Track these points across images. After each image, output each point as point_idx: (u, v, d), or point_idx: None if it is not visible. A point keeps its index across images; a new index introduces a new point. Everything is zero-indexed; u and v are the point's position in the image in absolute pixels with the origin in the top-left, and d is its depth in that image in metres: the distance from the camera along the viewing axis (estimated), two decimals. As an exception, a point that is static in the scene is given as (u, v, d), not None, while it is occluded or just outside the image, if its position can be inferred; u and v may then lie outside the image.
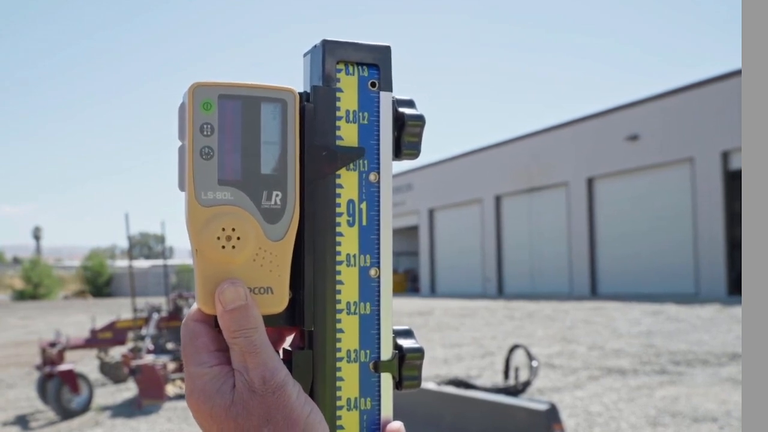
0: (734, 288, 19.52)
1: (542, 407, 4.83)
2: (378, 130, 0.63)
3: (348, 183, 0.61)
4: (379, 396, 0.62)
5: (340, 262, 0.61)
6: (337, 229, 0.61)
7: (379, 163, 0.62)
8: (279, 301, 0.60)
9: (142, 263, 63.46)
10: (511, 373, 6.71)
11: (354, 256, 0.62)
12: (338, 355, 0.61)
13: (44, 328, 19.46)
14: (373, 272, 0.62)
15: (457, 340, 12.25)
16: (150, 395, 8.05)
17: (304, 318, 0.60)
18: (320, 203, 0.60)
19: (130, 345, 9.50)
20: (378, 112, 0.63)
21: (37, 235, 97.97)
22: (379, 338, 0.62)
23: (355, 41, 0.62)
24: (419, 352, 0.63)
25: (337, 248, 0.61)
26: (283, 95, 0.59)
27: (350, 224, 0.62)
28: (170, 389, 8.55)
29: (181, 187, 0.58)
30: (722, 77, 19.88)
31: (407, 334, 0.65)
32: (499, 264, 29.08)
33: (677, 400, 7.03)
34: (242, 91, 0.58)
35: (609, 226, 24.10)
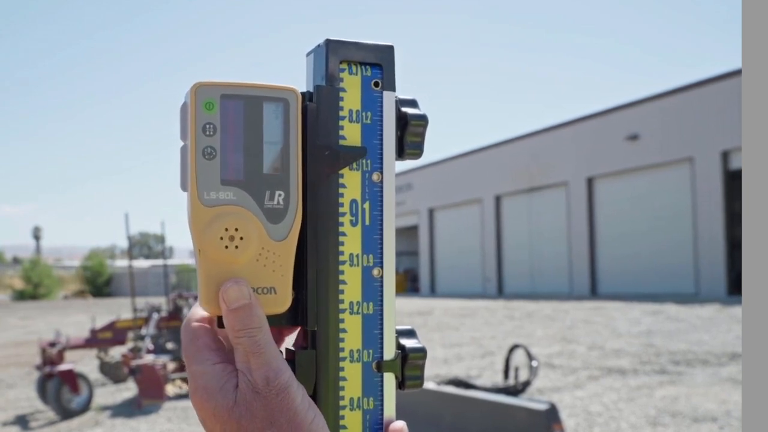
0: (734, 288, 19.52)
1: (542, 407, 4.83)
2: (381, 130, 0.62)
3: (351, 183, 0.61)
4: (382, 396, 0.62)
5: (343, 262, 0.61)
6: (340, 229, 0.61)
7: (382, 163, 0.62)
8: (282, 301, 0.59)
9: (141, 263, 63.46)
10: (511, 373, 6.72)
11: (357, 255, 0.61)
12: (341, 354, 0.61)
13: (44, 328, 19.46)
14: (376, 272, 0.62)
15: (457, 340, 12.26)
16: (150, 395, 8.05)
17: (307, 318, 0.60)
18: (323, 203, 0.60)
19: (130, 345, 9.50)
20: (381, 111, 0.62)
21: (37, 235, 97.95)
22: (382, 338, 0.62)
23: (359, 41, 0.62)
24: (422, 352, 0.63)
25: (340, 248, 0.61)
26: (285, 95, 0.59)
27: (353, 224, 0.61)
28: (170, 389, 8.55)
29: (184, 188, 0.58)
30: (722, 77, 19.88)
31: (410, 333, 0.65)
32: (499, 264, 29.08)
33: (677, 400, 7.03)
34: (244, 90, 0.58)
35: (609, 226, 24.10)
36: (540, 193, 27.00)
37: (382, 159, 0.62)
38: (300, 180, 0.59)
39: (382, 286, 0.62)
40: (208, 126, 0.57)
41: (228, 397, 0.56)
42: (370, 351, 0.62)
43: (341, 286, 0.61)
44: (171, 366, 8.82)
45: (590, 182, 24.70)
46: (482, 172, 29.52)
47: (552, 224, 26.38)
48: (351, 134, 0.61)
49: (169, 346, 9.36)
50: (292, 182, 0.59)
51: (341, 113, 0.61)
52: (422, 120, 0.64)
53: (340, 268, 0.61)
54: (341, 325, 0.61)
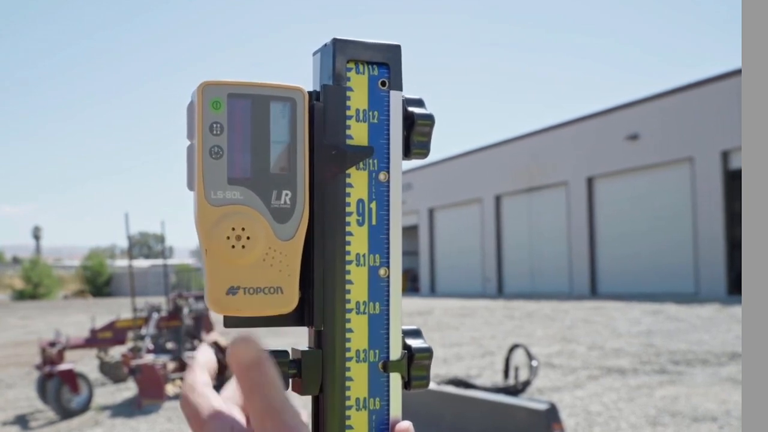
0: (734, 288, 19.53)
1: (542, 407, 4.84)
2: (388, 130, 0.62)
3: (358, 182, 0.61)
4: (388, 396, 0.62)
5: (350, 262, 0.61)
6: (347, 229, 0.61)
7: (388, 163, 0.62)
8: (289, 301, 0.59)
9: (141, 263, 63.47)
10: (511, 373, 6.72)
11: (363, 255, 0.61)
12: (348, 355, 0.61)
13: (44, 327, 19.46)
14: (382, 272, 0.62)
15: (457, 340, 12.26)
16: (150, 395, 8.06)
17: (313, 318, 0.60)
18: (330, 202, 0.60)
19: (129, 345, 9.49)
20: (388, 111, 0.62)
21: (36, 234, 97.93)
22: (388, 338, 0.62)
23: (366, 40, 0.62)
24: (428, 352, 0.63)
25: (347, 248, 0.61)
26: (292, 94, 0.59)
27: (360, 224, 0.61)
28: (170, 389, 8.55)
29: (190, 187, 0.58)
30: (722, 77, 19.89)
31: (416, 333, 0.65)
32: (498, 264, 29.08)
33: (677, 400, 7.04)
34: (251, 89, 0.58)
35: (609, 226, 24.11)
36: (540, 192, 27.01)
37: (388, 159, 0.62)
38: (307, 179, 0.59)
39: (388, 286, 0.63)
40: (215, 125, 0.57)
41: None
42: (377, 351, 0.62)
43: (348, 286, 0.61)
44: (171, 366, 8.83)
45: (590, 182, 24.71)
46: (482, 172, 29.53)
47: (552, 224, 26.38)
48: (358, 134, 0.61)
49: (169, 346, 9.37)
50: (299, 182, 0.59)
51: (348, 112, 0.61)
52: (429, 120, 0.64)
53: (347, 267, 0.61)
54: (348, 325, 0.61)
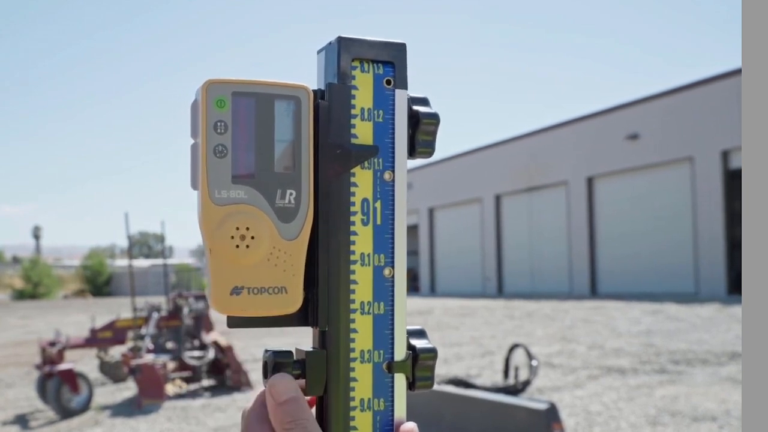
0: (734, 287, 19.53)
1: (542, 406, 4.84)
2: (393, 128, 0.62)
3: (362, 181, 0.61)
4: (393, 397, 0.62)
5: (354, 262, 0.60)
6: (352, 228, 0.60)
7: (393, 162, 0.62)
8: (293, 301, 0.59)
9: (141, 263, 63.42)
10: (511, 373, 6.73)
11: (368, 255, 0.61)
12: (352, 355, 0.60)
13: (44, 327, 19.45)
14: (387, 272, 0.62)
15: (457, 340, 12.26)
16: (150, 395, 8.05)
17: (317, 318, 0.59)
18: (334, 202, 0.60)
19: (129, 344, 9.49)
20: (393, 110, 0.62)
21: (36, 234, 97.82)
22: (392, 338, 0.62)
23: (370, 39, 0.61)
24: (432, 353, 0.62)
25: (351, 247, 0.60)
26: (297, 92, 0.59)
27: (364, 223, 0.61)
28: (170, 389, 8.55)
29: (194, 186, 0.57)
30: (722, 77, 19.88)
31: (420, 334, 0.64)
32: (498, 263, 29.07)
33: (677, 400, 7.04)
34: (256, 88, 0.58)
35: (609, 226, 24.11)
36: (540, 192, 27.00)
37: (393, 158, 0.62)
38: (311, 179, 0.59)
39: (393, 286, 0.62)
40: (219, 124, 0.56)
41: None
42: (381, 351, 0.61)
43: (352, 286, 0.60)
44: (171, 365, 8.82)
45: (590, 182, 24.70)
46: (482, 172, 29.52)
47: (552, 224, 26.38)
48: (363, 132, 0.61)
49: (169, 345, 9.36)
50: (304, 181, 0.59)
51: (353, 111, 0.61)
52: (434, 118, 0.63)
53: (351, 267, 0.60)
54: (352, 326, 0.60)
